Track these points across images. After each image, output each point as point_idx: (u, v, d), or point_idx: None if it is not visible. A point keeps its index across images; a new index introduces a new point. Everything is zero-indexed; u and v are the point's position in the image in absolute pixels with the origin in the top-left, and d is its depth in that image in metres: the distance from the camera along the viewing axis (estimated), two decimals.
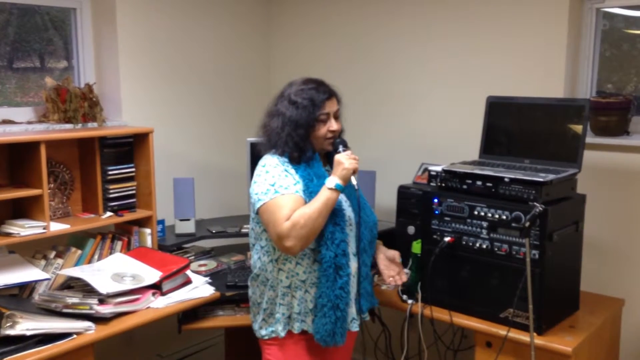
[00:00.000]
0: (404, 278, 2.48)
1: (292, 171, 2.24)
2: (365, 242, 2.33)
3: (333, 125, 2.28)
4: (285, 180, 2.20)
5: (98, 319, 2.40)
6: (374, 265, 2.47)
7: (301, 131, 2.24)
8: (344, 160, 2.18)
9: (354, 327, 2.31)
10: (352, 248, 2.28)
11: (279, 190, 2.17)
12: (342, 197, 2.28)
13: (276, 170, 2.23)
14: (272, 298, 2.29)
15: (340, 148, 2.25)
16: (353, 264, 2.28)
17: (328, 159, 2.36)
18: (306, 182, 2.21)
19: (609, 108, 2.84)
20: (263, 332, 2.32)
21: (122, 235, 2.98)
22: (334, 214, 2.20)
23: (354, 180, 2.23)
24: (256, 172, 2.28)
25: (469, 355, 2.67)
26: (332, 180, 2.16)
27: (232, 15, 3.85)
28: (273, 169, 2.23)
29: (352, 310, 2.29)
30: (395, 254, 2.49)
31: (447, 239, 2.54)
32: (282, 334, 2.28)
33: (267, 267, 2.28)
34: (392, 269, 2.46)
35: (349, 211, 2.29)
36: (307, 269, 2.23)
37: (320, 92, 2.26)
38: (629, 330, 2.78)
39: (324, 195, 2.14)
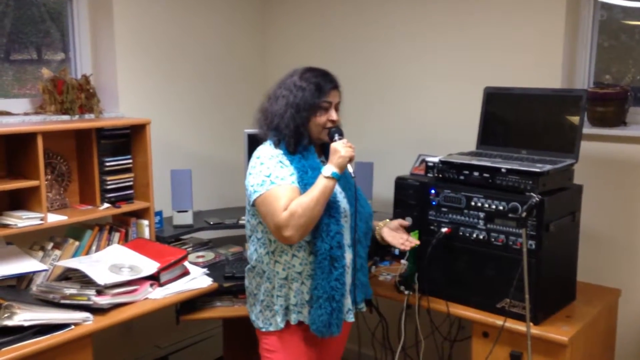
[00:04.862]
0: (412, 241, 2.44)
1: (287, 162, 2.23)
2: (360, 233, 2.33)
3: (333, 115, 2.27)
4: (280, 171, 2.20)
5: (96, 310, 2.41)
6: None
7: (303, 115, 2.22)
8: (340, 148, 2.17)
9: (350, 317, 2.32)
10: (346, 240, 2.28)
11: (274, 181, 2.17)
12: (337, 189, 2.27)
13: (271, 161, 2.22)
14: (269, 290, 2.29)
15: (336, 137, 2.23)
16: (348, 256, 2.28)
17: (323, 151, 2.35)
18: (301, 174, 2.20)
19: (606, 99, 2.83)
20: (261, 323, 2.33)
21: (119, 226, 2.98)
22: (329, 206, 2.19)
23: (350, 168, 2.21)
24: (251, 163, 2.27)
25: (466, 346, 2.68)
26: (329, 169, 2.15)
27: (228, 7, 3.84)
28: (268, 160, 2.22)
29: (348, 301, 2.30)
30: (395, 222, 2.49)
31: (444, 229, 2.55)
32: (281, 325, 2.28)
33: (264, 259, 2.29)
34: (398, 238, 2.45)
35: (344, 203, 2.29)
36: (303, 261, 2.23)
37: (327, 80, 2.26)
38: (625, 320, 2.79)
39: (321, 183, 2.13)
